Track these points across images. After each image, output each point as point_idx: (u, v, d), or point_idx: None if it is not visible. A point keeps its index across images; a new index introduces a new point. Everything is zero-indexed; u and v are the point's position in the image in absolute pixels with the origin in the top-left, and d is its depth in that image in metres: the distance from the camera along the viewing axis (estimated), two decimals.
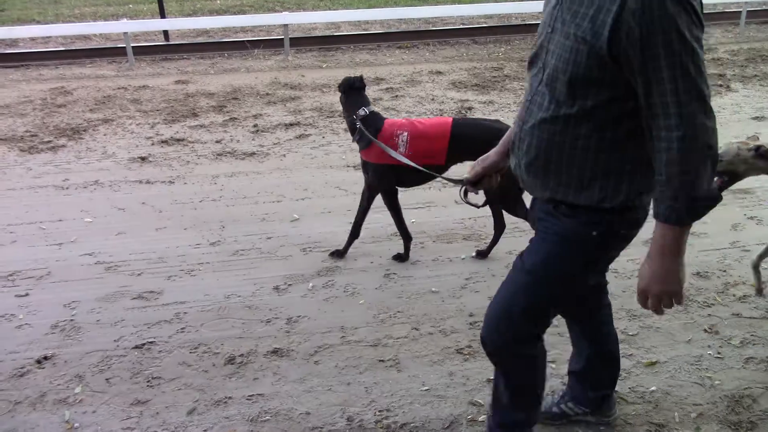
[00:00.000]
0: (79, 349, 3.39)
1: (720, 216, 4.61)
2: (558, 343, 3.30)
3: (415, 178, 4.06)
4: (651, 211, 1.90)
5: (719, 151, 3.07)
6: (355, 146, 6.49)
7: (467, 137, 3.82)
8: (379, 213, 4.93)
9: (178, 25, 11.81)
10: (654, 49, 1.61)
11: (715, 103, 7.46)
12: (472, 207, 2.70)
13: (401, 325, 3.52)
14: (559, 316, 3.11)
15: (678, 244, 1.76)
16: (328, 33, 12.68)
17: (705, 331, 3.35)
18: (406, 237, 4.23)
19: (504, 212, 4.12)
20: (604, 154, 1.85)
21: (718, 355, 3.16)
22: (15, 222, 4.94)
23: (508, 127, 3.75)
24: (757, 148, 3.04)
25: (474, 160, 3.58)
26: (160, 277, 4.10)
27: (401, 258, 4.22)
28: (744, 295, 3.65)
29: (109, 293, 3.93)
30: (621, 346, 3.21)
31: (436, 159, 3.85)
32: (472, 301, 3.69)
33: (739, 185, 5.10)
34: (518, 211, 3.94)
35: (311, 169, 5.94)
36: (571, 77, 1.77)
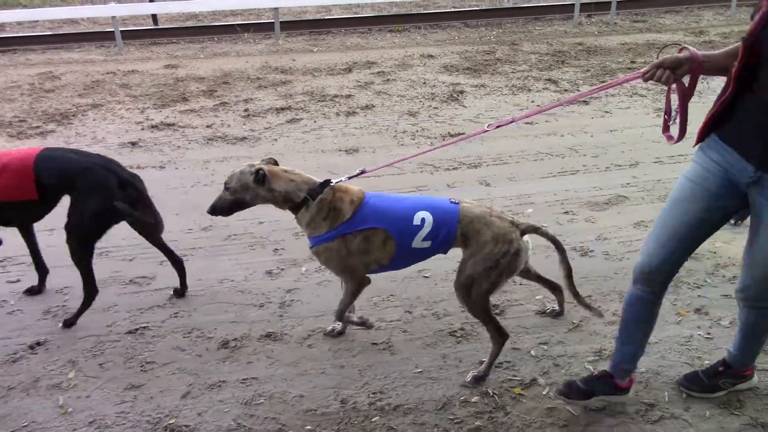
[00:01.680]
0: (72, 334, 3.39)
1: None
2: (551, 325, 3.33)
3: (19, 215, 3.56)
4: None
5: (228, 176, 2.85)
6: (348, 130, 6.49)
7: (54, 171, 3.33)
8: None
9: (167, 8, 11.69)
10: None
11: (705, 85, 7.48)
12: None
13: (394, 308, 3.53)
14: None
15: None
16: (318, 16, 12.60)
17: (695, 311, 3.38)
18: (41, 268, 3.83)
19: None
20: None
21: (708, 336, 3.18)
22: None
23: (97, 161, 3.36)
24: (257, 171, 2.80)
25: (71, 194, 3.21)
26: (153, 262, 4.09)
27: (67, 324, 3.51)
28: (734, 276, 3.67)
29: (102, 279, 3.91)
30: (613, 327, 3.25)
31: (28, 194, 3.34)
32: None
33: None
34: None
35: (303, 154, 5.92)
36: None
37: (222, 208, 2.94)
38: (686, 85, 2.34)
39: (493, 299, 3.55)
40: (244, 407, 2.83)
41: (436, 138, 6.19)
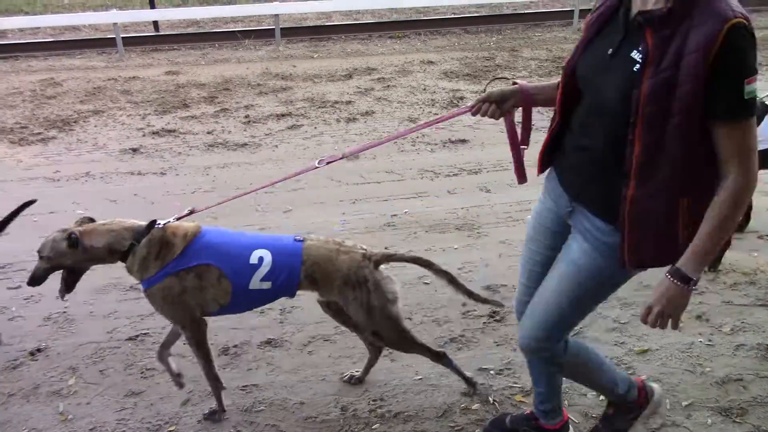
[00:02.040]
0: (73, 341, 3.39)
1: None
2: None
3: None
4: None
5: (41, 245, 2.58)
6: (349, 136, 6.51)
7: None
8: (369, 203, 4.94)
9: (168, 15, 11.74)
10: None
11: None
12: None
13: None
14: None
15: None
16: (319, 23, 12.63)
17: (696, 318, 3.38)
18: None
19: None
20: None
21: (709, 343, 3.18)
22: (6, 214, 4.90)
23: None
24: (69, 236, 2.53)
25: None
26: None
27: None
28: (735, 283, 3.67)
29: (102, 285, 3.92)
30: (613, 334, 3.26)
31: None
32: None
33: None
34: None
35: (303, 160, 5.93)
36: None
37: (41, 278, 2.66)
38: (514, 120, 2.21)
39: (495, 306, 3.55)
40: (245, 414, 2.83)
41: (436, 144, 6.20)
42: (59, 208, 5.01)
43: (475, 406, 2.81)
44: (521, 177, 2.24)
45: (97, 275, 4.03)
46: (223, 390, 2.84)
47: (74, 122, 7.21)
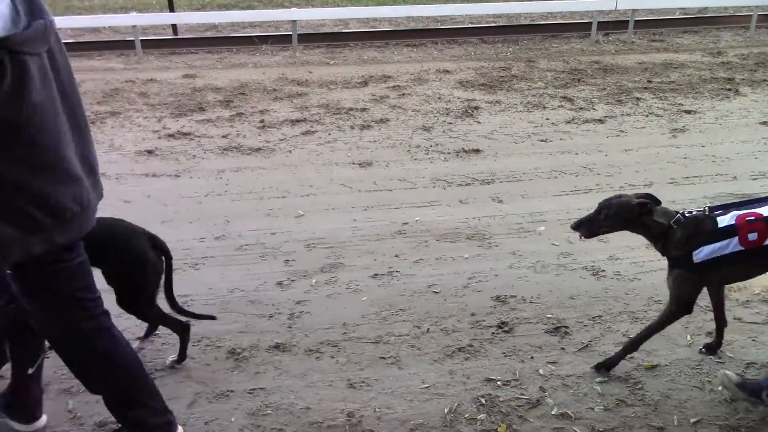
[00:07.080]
0: None
1: None
2: (559, 344, 3.31)
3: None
4: None
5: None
6: (363, 143, 6.49)
7: None
8: (381, 211, 4.94)
9: (187, 19, 11.83)
10: None
11: (724, 107, 7.45)
12: None
13: (403, 323, 3.53)
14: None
15: None
16: (336, 30, 12.68)
17: (707, 335, 3.35)
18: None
19: None
20: None
21: (719, 360, 3.16)
22: None
23: None
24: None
25: None
26: None
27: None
28: (746, 300, 3.64)
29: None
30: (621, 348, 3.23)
31: None
32: (474, 301, 3.70)
33: (742, 189, 5.11)
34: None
35: (317, 166, 5.95)
36: None
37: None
38: None
39: (502, 317, 3.55)
40: (251, 417, 2.84)
41: (449, 153, 6.20)
42: None
43: (481, 416, 2.80)
44: None
45: None
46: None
47: (91, 123, 7.28)
